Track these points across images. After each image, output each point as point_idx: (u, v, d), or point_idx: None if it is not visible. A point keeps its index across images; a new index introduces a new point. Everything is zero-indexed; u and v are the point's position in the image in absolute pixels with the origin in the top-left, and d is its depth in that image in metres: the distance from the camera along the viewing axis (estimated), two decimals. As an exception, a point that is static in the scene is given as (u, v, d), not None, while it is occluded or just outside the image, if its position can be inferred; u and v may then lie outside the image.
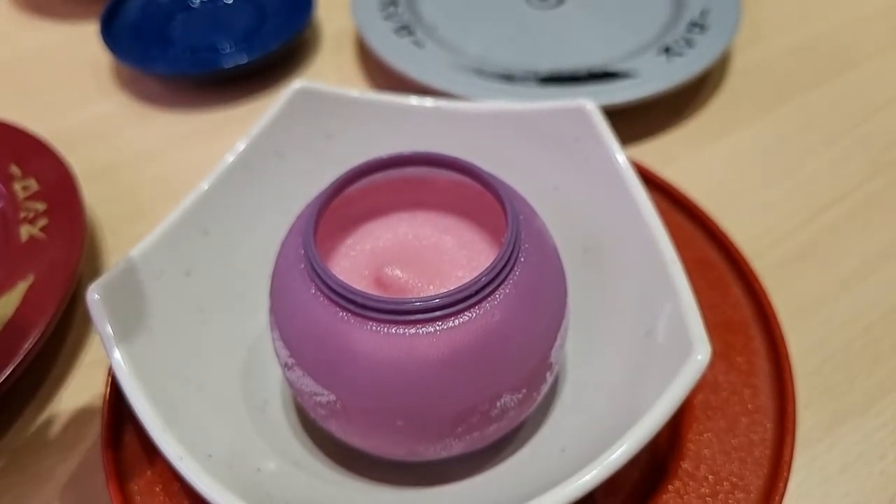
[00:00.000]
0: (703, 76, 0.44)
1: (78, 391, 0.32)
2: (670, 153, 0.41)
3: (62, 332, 0.34)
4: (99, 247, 0.38)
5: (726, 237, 0.31)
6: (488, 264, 0.21)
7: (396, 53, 0.43)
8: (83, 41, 0.51)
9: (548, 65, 0.43)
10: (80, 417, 0.31)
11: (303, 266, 0.22)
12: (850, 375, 0.31)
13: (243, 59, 0.45)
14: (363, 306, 0.20)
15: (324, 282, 0.21)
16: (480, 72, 0.42)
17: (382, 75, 0.47)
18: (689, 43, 0.43)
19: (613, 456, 0.19)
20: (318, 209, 0.23)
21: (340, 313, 0.21)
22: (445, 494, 0.24)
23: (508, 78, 0.42)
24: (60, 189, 0.36)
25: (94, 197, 0.40)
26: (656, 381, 0.22)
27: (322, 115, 0.31)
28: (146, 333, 0.24)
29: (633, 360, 0.25)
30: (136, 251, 0.25)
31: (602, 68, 0.42)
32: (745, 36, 0.48)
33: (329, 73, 0.48)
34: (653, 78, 0.41)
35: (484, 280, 0.21)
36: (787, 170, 0.40)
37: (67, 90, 0.48)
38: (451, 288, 0.20)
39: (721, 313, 0.29)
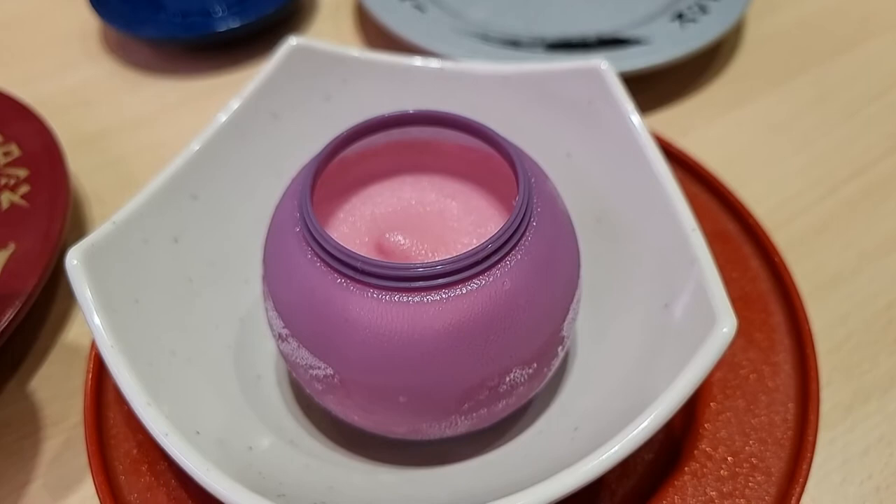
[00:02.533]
0: (717, 44, 0.43)
1: (62, 366, 0.30)
2: (683, 123, 0.39)
3: (45, 305, 0.32)
4: (85, 217, 0.36)
5: (745, 209, 0.30)
6: (497, 230, 0.19)
7: (397, 18, 0.42)
8: (70, 4, 0.49)
9: (556, 30, 0.42)
10: (64, 393, 0.29)
11: (298, 229, 0.20)
12: (871, 354, 0.29)
13: (236, 23, 0.43)
14: (363, 272, 0.19)
15: (321, 246, 0.19)
16: (485, 37, 0.41)
17: (382, 41, 0.45)
18: (703, 9, 0.41)
19: (635, 432, 0.18)
20: (315, 168, 0.21)
21: (339, 279, 0.19)
22: (450, 475, 0.23)
23: (514, 44, 0.40)
24: (44, 155, 0.34)
25: (81, 166, 0.38)
26: (676, 356, 0.21)
27: (320, 74, 0.29)
28: (131, 303, 0.22)
29: (649, 333, 0.23)
30: (119, 215, 0.23)
31: (613, 34, 0.41)
32: (760, 3, 0.46)
33: (326, 39, 0.46)
34: (665, 45, 0.39)
35: (494, 245, 0.19)
36: (804, 143, 0.38)
37: (53, 55, 0.46)
38: (459, 254, 0.19)
39: (739, 287, 0.28)
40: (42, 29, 0.48)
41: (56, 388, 0.29)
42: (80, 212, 0.36)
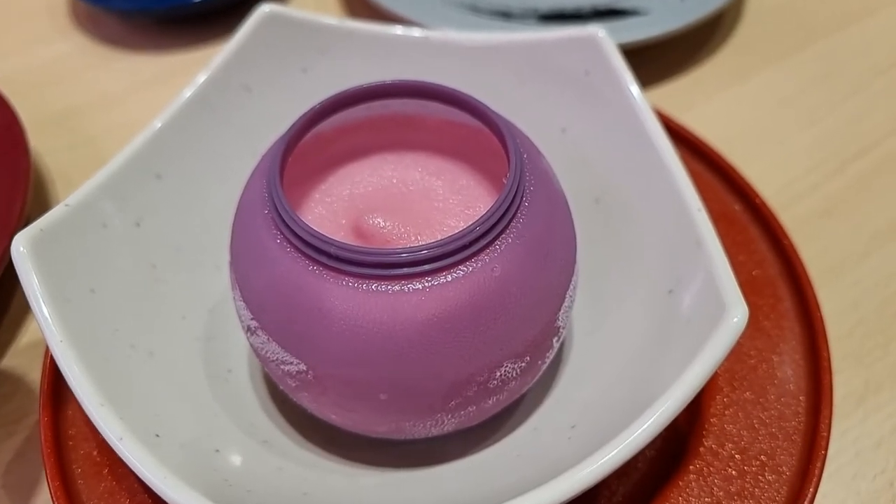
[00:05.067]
0: (719, 15, 0.41)
1: (23, 360, 0.29)
2: (684, 99, 0.38)
3: (6, 295, 0.30)
4: (52, 201, 0.34)
5: (751, 188, 0.28)
6: (486, 211, 0.18)
7: (382, -12, 0.40)
8: (36, -24, 0.47)
9: (549, 0, 0.40)
10: (25, 388, 0.27)
11: (267, 211, 0.19)
12: (883, 341, 0.28)
13: (212, -6, 0.41)
14: (338, 258, 0.17)
15: (291, 230, 0.18)
16: (474, 8, 0.39)
17: (367, 12, 0.43)
18: (705, -22, 0.40)
19: (639, 432, 0.17)
20: (286, 144, 0.20)
21: (311, 266, 0.18)
22: (436, 477, 0.21)
23: (505, 15, 0.39)
24: (4, 135, 0.33)
25: (48, 146, 0.37)
26: (682, 347, 0.19)
27: (296, 44, 0.27)
28: (85, 292, 0.21)
29: (652, 322, 0.22)
30: (73, 197, 0.21)
31: (609, 5, 0.39)
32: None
33: (308, 10, 0.44)
34: (664, 16, 0.38)
35: (482, 228, 0.18)
36: (811, 119, 0.37)
37: (19, 30, 0.44)
38: (443, 237, 0.17)
39: (746, 272, 0.26)
40: (7, 2, 0.46)
41: (17, 384, 0.28)
42: (46, 195, 0.34)
